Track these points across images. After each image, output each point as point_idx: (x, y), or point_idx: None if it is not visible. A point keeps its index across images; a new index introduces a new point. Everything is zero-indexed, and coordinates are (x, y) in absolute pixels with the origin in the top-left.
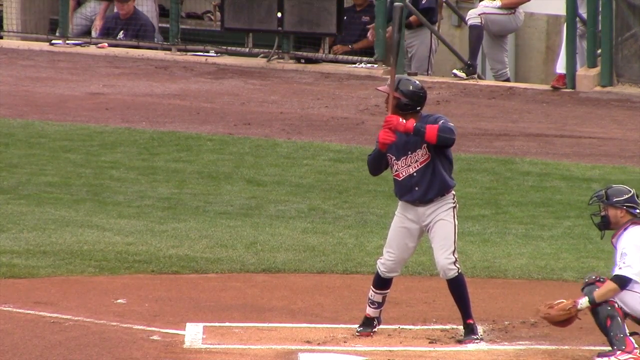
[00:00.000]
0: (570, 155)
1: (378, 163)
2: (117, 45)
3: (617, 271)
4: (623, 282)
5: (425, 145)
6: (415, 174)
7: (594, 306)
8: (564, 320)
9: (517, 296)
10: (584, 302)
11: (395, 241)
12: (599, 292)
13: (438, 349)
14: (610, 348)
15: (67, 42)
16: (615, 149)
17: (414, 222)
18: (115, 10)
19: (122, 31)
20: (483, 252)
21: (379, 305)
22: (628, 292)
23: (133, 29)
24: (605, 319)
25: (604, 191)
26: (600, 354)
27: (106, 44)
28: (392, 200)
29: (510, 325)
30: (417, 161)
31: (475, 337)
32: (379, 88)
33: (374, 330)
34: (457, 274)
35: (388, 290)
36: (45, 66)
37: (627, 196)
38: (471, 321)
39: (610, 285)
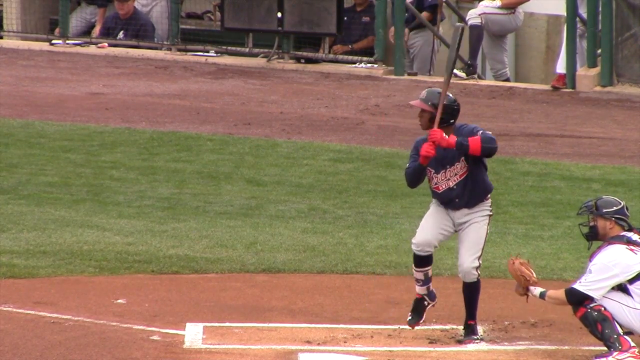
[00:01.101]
0: (570, 155)
1: (418, 176)
2: (117, 45)
3: (575, 284)
4: (574, 297)
5: (463, 158)
6: (455, 187)
7: (581, 313)
8: (517, 280)
9: (517, 296)
10: (536, 291)
11: (432, 221)
12: (551, 293)
13: (438, 349)
14: (607, 350)
15: (67, 42)
16: (615, 149)
17: (451, 219)
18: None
19: (122, 31)
20: (483, 252)
21: (424, 282)
22: (615, 304)
23: (133, 28)
24: (596, 324)
25: (593, 202)
26: (598, 356)
27: (106, 44)
28: (392, 200)
29: (510, 325)
30: (456, 174)
31: (475, 337)
32: (412, 102)
33: (423, 316)
34: (476, 279)
35: (429, 267)
36: (45, 66)
37: (616, 208)
38: (472, 322)
39: (561, 294)
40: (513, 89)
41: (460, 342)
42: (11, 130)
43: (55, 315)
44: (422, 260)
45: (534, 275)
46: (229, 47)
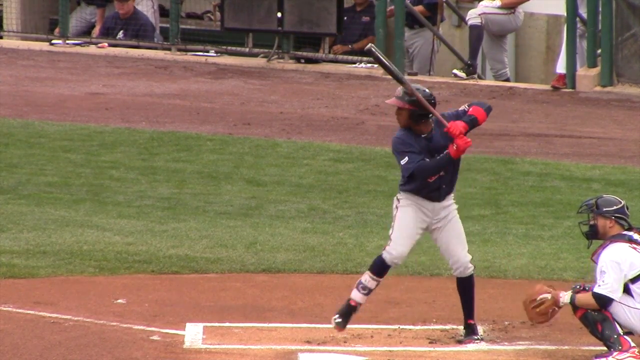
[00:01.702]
0: (570, 155)
1: (444, 168)
2: (116, 45)
3: (596, 289)
4: (603, 302)
5: (450, 144)
6: (444, 174)
7: (580, 313)
8: (538, 312)
9: (517, 296)
10: (566, 298)
11: (409, 231)
12: (581, 298)
13: (438, 349)
14: (607, 350)
15: (67, 42)
16: (615, 149)
17: (428, 216)
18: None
19: (121, 31)
20: (483, 252)
21: (370, 292)
22: (616, 304)
23: (133, 28)
24: (596, 324)
25: (594, 200)
26: (598, 356)
27: (106, 44)
28: (392, 200)
29: (510, 325)
30: None
31: (475, 337)
32: (388, 101)
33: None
34: (473, 271)
35: (382, 279)
36: (45, 66)
37: (617, 207)
38: (472, 322)
39: (591, 299)
40: (513, 89)
41: (460, 342)
42: (11, 130)
43: (55, 315)
44: (386, 271)
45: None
46: (229, 47)
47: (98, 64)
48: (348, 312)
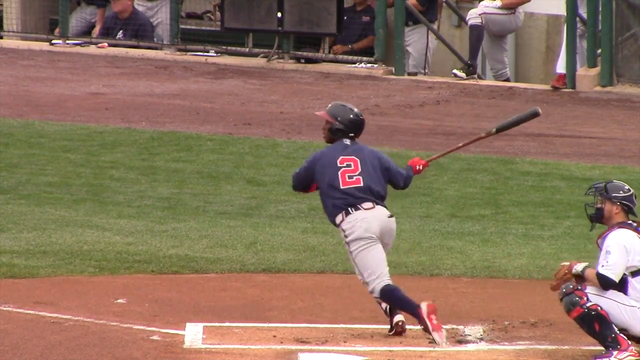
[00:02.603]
0: (570, 155)
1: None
2: (116, 45)
3: (600, 269)
4: (606, 283)
5: None
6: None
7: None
8: (557, 279)
9: (517, 296)
10: (579, 267)
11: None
12: (589, 273)
13: (438, 349)
14: (605, 351)
15: (67, 42)
16: (615, 149)
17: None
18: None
19: (121, 31)
20: (483, 252)
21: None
22: (611, 302)
23: (132, 28)
24: (593, 324)
25: (603, 184)
26: (597, 356)
27: (106, 44)
28: (391, 200)
29: (510, 325)
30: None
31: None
32: (317, 113)
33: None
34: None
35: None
36: (45, 66)
37: (625, 194)
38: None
39: (594, 277)
40: (513, 89)
41: (460, 342)
42: (11, 130)
43: (55, 315)
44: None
45: (565, 264)
46: (229, 47)
47: (98, 64)
48: (387, 311)
